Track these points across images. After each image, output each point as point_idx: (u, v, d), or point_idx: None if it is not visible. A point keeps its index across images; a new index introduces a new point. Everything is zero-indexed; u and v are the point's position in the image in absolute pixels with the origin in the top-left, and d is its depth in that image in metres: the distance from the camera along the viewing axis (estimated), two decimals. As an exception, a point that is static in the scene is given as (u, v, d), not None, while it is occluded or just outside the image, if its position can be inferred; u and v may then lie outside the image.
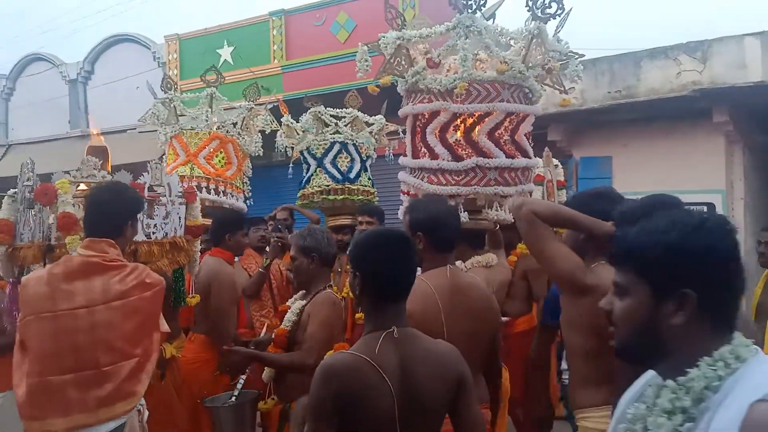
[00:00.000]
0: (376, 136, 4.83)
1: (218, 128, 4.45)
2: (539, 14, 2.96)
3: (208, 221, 3.94)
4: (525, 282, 3.91)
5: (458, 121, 3.07)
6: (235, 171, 4.46)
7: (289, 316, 2.81)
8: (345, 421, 1.74)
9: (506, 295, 3.60)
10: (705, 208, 6.42)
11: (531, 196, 3.33)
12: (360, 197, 4.64)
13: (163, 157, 4.53)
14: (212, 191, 4.28)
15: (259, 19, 9.24)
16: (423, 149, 3.14)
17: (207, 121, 4.40)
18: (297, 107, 4.86)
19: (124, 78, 10.17)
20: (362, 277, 1.80)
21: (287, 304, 2.95)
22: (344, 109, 4.75)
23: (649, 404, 1.15)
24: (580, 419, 2.22)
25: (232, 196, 4.40)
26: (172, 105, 4.40)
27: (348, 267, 3.66)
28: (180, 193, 3.08)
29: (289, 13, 9.05)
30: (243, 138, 4.53)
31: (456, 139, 3.07)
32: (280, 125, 4.77)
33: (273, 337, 2.87)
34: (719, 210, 6.44)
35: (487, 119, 3.03)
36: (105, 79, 10.89)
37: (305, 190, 4.72)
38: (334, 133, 4.65)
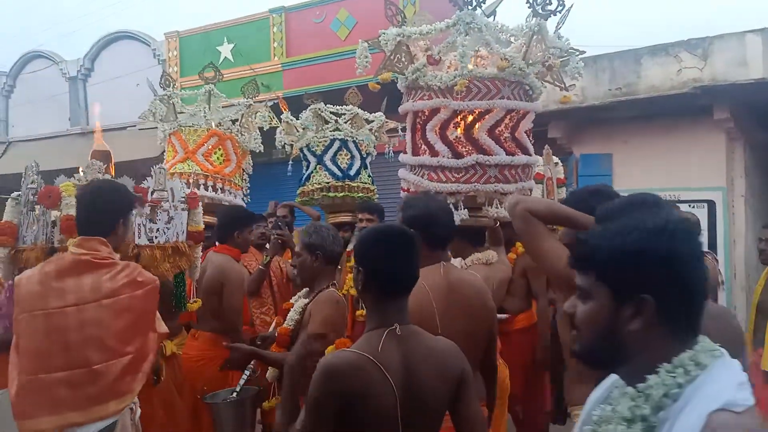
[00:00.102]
0: (376, 134, 4.83)
1: (218, 125, 4.44)
2: (540, 11, 2.95)
3: (210, 218, 3.94)
4: (524, 279, 3.91)
5: (458, 118, 3.06)
6: (233, 168, 4.45)
7: (292, 315, 2.80)
8: (347, 420, 1.74)
9: (506, 292, 3.60)
10: (705, 206, 6.43)
11: (531, 193, 3.32)
12: (360, 194, 4.64)
13: (166, 159, 4.53)
14: (210, 188, 4.27)
15: (260, 16, 9.22)
16: (423, 146, 3.13)
17: (205, 117, 4.40)
18: (297, 104, 4.85)
19: (124, 75, 10.16)
20: (365, 273, 1.80)
21: (291, 301, 2.94)
22: (344, 106, 4.74)
23: (614, 406, 1.13)
24: (575, 416, 2.22)
25: (231, 193, 4.40)
26: (170, 102, 4.40)
27: (348, 264, 3.67)
28: (183, 199, 3.09)
29: (290, 11, 9.03)
30: (242, 135, 4.53)
31: (456, 136, 3.07)
32: (280, 122, 4.76)
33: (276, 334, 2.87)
34: (719, 207, 6.43)
35: (487, 116, 3.02)
36: (105, 77, 10.87)
37: (305, 187, 4.71)
38: (334, 130, 4.64)
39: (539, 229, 2.17)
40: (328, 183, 4.59)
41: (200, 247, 3.27)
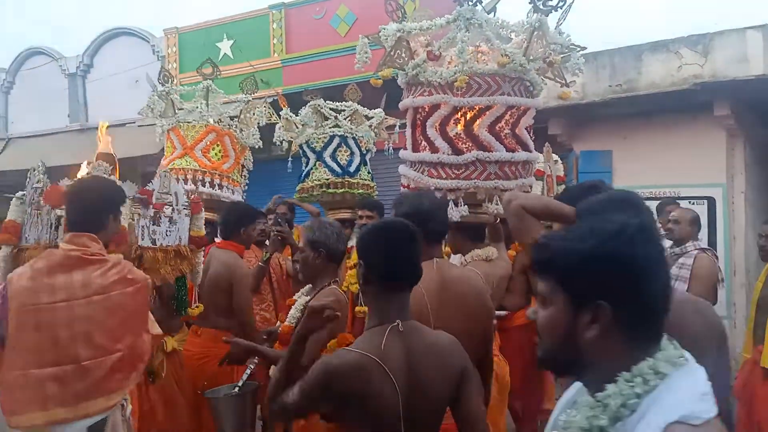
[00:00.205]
0: (375, 130, 4.82)
1: (218, 121, 4.44)
2: (541, 6, 2.94)
3: (209, 215, 3.94)
4: (524, 276, 3.91)
5: (459, 114, 3.06)
6: (232, 164, 4.45)
7: (293, 312, 2.80)
8: (347, 416, 1.74)
9: (506, 289, 3.60)
10: (705, 202, 6.42)
11: (531, 190, 3.32)
12: (360, 191, 4.63)
13: (165, 155, 4.52)
14: (208, 184, 4.27)
15: (259, 12, 9.20)
16: (423, 142, 3.13)
17: (201, 113, 4.39)
18: (297, 101, 4.84)
19: (124, 71, 10.15)
20: (365, 266, 1.81)
21: (294, 298, 2.93)
22: (344, 103, 4.73)
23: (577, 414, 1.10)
24: None
25: (229, 189, 4.39)
26: (169, 98, 4.39)
27: (348, 261, 3.66)
28: (186, 204, 3.10)
29: (289, 7, 9.01)
30: (241, 131, 4.52)
31: (456, 133, 3.06)
32: (279, 119, 4.76)
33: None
34: (719, 204, 6.42)
35: (487, 112, 3.02)
36: (104, 73, 10.85)
37: (305, 183, 4.71)
38: (333, 127, 4.63)
39: (533, 226, 2.16)
40: (327, 179, 4.58)
41: (202, 252, 3.28)
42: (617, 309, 1.02)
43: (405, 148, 3.29)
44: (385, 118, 4.87)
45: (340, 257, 2.76)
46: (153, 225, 2.93)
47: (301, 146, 4.76)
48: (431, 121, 3.07)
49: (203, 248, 3.34)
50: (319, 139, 4.62)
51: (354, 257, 3.33)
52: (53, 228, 2.82)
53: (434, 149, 3.06)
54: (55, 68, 11.46)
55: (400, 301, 1.80)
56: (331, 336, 2.03)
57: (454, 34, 2.94)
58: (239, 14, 9.43)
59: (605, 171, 6.72)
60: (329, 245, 2.66)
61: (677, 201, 5.56)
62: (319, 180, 4.60)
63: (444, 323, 2.14)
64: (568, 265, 1.06)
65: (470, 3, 2.93)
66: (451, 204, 3.03)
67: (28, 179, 2.95)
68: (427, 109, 3.10)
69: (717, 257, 4.66)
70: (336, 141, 4.61)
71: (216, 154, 4.38)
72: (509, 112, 3.05)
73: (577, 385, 1.21)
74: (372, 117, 4.81)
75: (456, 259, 3.29)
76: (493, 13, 3.07)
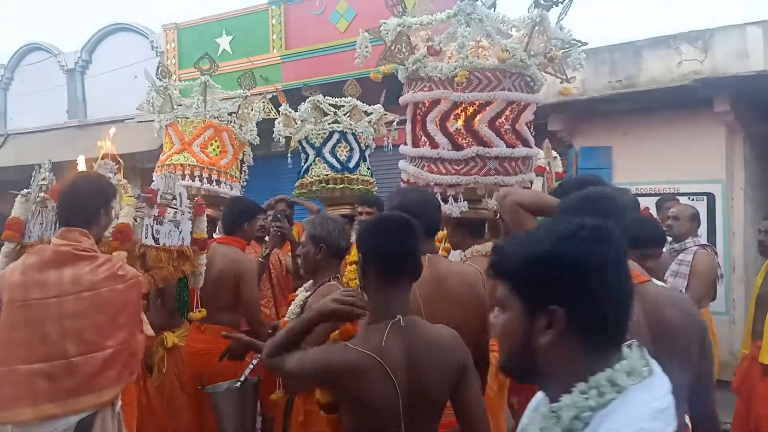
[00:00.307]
0: (374, 126, 4.81)
1: (217, 117, 4.43)
2: (542, 1, 2.93)
3: (207, 210, 3.94)
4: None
5: (459, 109, 3.05)
6: (230, 160, 4.45)
7: (293, 308, 2.79)
8: (348, 411, 1.74)
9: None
10: (705, 198, 6.42)
11: (532, 186, 3.32)
12: (359, 187, 4.63)
13: (163, 150, 4.51)
14: (205, 180, 4.27)
15: (258, 8, 9.18)
16: (423, 138, 3.12)
17: (197, 109, 4.38)
18: (296, 97, 4.84)
19: (123, 67, 10.13)
20: (363, 259, 1.81)
21: (295, 294, 2.93)
22: (343, 98, 4.72)
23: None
24: None
25: (227, 185, 4.39)
26: (167, 93, 4.39)
27: (348, 257, 3.66)
28: (190, 206, 3.10)
29: (289, 2, 8.98)
30: (240, 127, 4.51)
31: (456, 128, 3.05)
32: (279, 114, 4.75)
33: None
34: (719, 200, 6.43)
35: (487, 108, 3.01)
36: (103, 69, 10.83)
37: (304, 179, 4.70)
38: (333, 123, 4.62)
39: (527, 222, 2.16)
40: (327, 175, 4.57)
41: (204, 254, 3.28)
42: (572, 314, 0.99)
43: (405, 144, 3.28)
44: (385, 114, 4.87)
45: (342, 253, 2.74)
46: (156, 224, 2.93)
47: (300, 142, 4.75)
48: (431, 117, 3.06)
49: (206, 250, 3.33)
50: (319, 134, 4.62)
51: (354, 253, 3.34)
52: (57, 225, 2.82)
53: (434, 145, 3.05)
54: (54, 64, 11.44)
55: (400, 295, 1.80)
56: (334, 327, 2.03)
57: (454, 29, 2.93)
58: (238, 10, 9.41)
59: (605, 167, 6.72)
60: (330, 241, 2.64)
61: (677, 197, 5.57)
62: (318, 176, 4.59)
63: (436, 317, 2.13)
64: (520, 269, 1.03)
65: (471, -2, 2.92)
66: (450, 200, 3.02)
67: (33, 177, 2.95)
68: (427, 105, 3.10)
69: (716, 253, 4.67)
70: (335, 137, 4.60)
71: (214, 149, 4.38)
72: (509, 108, 3.05)
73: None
74: (371, 113, 4.80)
75: (456, 254, 3.28)
76: (493, 8, 3.06)
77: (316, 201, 5.11)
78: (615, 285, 1.01)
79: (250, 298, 3.62)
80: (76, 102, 11.26)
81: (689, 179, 6.46)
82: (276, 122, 4.73)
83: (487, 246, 3.25)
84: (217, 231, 4.20)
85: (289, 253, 4.60)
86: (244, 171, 4.74)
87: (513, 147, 3.05)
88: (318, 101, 4.61)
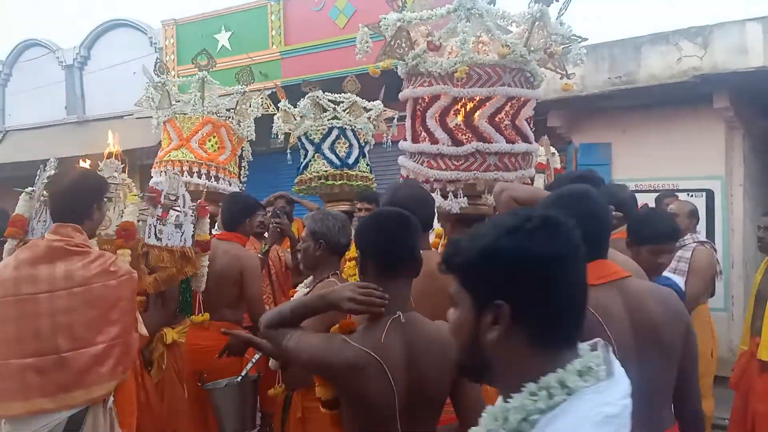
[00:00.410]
0: (374, 122, 4.81)
1: (214, 113, 4.42)
2: (542, -3, 2.93)
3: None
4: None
5: (459, 105, 3.04)
6: (228, 156, 4.44)
7: None
8: (347, 406, 1.74)
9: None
10: (704, 195, 6.43)
11: (533, 182, 3.32)
12: (358, 183, 4.63)
13: (162, 146, 4.50)
14: (204, 176, 4.26)
15: (257, 3, 9.16)
16: (423, 133, 3.12)
17: (194, 105, 4.37)
18: (296, 93, 4.83)
19: (121, 63, 10.10)
20: (361, 254, 1.80)
21: (295, 290, 2.93)
22: (342, 95, 4.71)
23: None
24: None
25: (225, 181, 4.39)
26: (165, 89, 4.37)
27: (347, 254, 3.66)
28: (193, 207, 3.10)
29: (288, -2, 8.97)
30: (238, 123, 4.51)
31: (456, 124, 3.05)
32: (278, 111, 4.74)
33: None
34: (718, 196, 6.43)
35: (487, 103, 3.00)
36: (101, 65, 10.81)
37: (303, 175, 4.69)
38: (332, 119, 4.62)
39: None
40: (326, 171, 4.57)
41: (206, 256, 3.28)
42: (517, 310, 0.95)
43: (404, 140, 3.28)
44: (384, 111, 4.86)
45: (341, 250, 2.73)
46: (160, 224, 2.93)
47: (299, 138, 4.74)
48: (431, 112, 3.05)
49: (208, 251, 3.33)
50: (318, 130, 4.61)
51: (353, 249, 3.33)
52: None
53: (434, 140, 3.05)
54: (53, 60, 11.41)
55: (400, 291, 1.79)
56: (334, 321, 2.02)
57: (454, 24, 2.92)
58: (237, 6, 9.38)
59: (604, 164, 6.73)
60: (330, 237, 2.64)
61: (676, 194, 5.56)
62: (317, 172, 4.58)
63: (431, 315, 2.13)
64: (467, 264, 1.01)
65: (471, -7, 2.91)
66: (450, 195, 3.02)
67: (38, 174, 2.95)
68: (427, 100, 3.09)
69: (715, 250, 4.67)
70: (335, 133, 4.59)
71: (212, 145, 4.37)
72: (509, 103, 3.04)
73: None
74: (370, 109, 4.79)
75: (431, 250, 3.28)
76: (493, 3, 3.05)
77: (315, 198, 5.10)
78: (564, 279, 0.97)
79: (253, 294, 3.62)
80: (74, 98, 11.23)
81: (688, 176, 6.46)
82: (275, 118, 4.72)
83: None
84: (216, 227, 4.19)
85: (289, 250, 4.60)
86: (244, 167, 4.73)
87: (513, 143, 3.05)
88: (317, 97, 4.60)
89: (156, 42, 10.24)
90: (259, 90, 4.98)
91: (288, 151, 4.96)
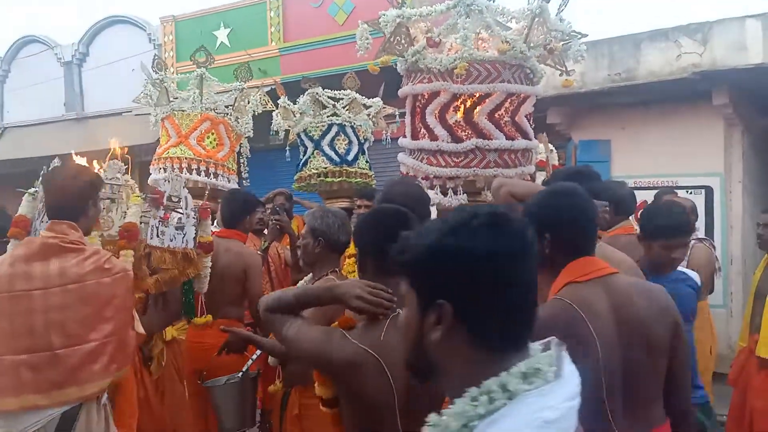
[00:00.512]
0: (373, 119, 4.80)
1: (213, 110, 4.41)
2: (541, -7, 2.92)
3: (199, 202, 3.94)
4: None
5: (458, 101, 3.04)
6: (227, 152, 4.44)
7: None
8: (348, 405, 1.74)
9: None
10: (703, 192, 6.43)
11: (534, 179, 3.32)
12: (358, 180, 4.62)
13: (160, 143, 4.50)
14: (203, 173, 4.26)
15: (256, 0, 9.14)
16: (422, 130, 3.12)
17: (194, 102, 4.36)
18: (295, 90, 4.82)
19: (120, 60, 10.08)
20: (361, 254, 1.80)
21: (297, 286, 2.93)
22: (342, 91, 4.71)
23: None
24: None
25: (224, 178, 4.38)
26: (163, 86, 4.37)
27: (346, 251, 3.66)
28: (195, 209, 3.10)
29: (287, -6, 8.95)
30: (236, 119, 4.50)
31: (456, 120, 3.05)
32: (277, 107, 4.73)
33: None
34: (717, 193, 6.43)
35: (487, 100, 3.00)
36: (100, 62, 10.78)
37: (302, 172, 4.69)
38: (331, 115, 4.61)
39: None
40: (325, 168, 4.56)
41: (209, 258, 3.27)
42: (459, 309, 0.92)
43: (404, 136, 3.28)
44: (383, 108, 4.85)
45: (341, 247, 2.72)
46: (162, 226, 2.93)
47: (299, 135, 4.74)
48: (431, 109, 3.05)
49: (210, 252, 3.33)
50: (317, 127, 4.60)
51: (353, 246, 3.34)
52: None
53: (433, 137, 3.05)
54: (51, 56, 11.38)
55: (398, 289, 1.79)
56: (335, 315, 2.02)
57: (454, 20, 2.92)
58: (236, 2, 9.36)
59: (604, 160, 6.72)
60: (329, 234, 2.63)
61: (675, 190, 5.56)
62: (317, 169, 4.58)
63: None
64: (411, 261, 0.98)
65: (470, -11, 2.91)
66: (450, 192, 3.02)
67: (41, 175, 2.94)
68: (426, 97, 3.09)
69: (714, 247, 4.67)
70: (334, 129, 4.59)
71: (211, 142, 4.37)
72: (509, 100, 3.04)
73: None
74: (370, 106, 4.79)
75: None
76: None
77: (314, 194, 5.09)
78: (510, 278, 0.93)
79: (256, 292, 3.62)
80: (73, 95, 11.21)
81: (687, 172, 6.46)
82: (274, 114, 4.72)
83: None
84: (215, 224, 4.19)
85: (288, 247, 4.60)
86: (243, 163, 4.72)
87: (512, 139, 3.05)
88: (317, 94, 4.60)
89: (155, 38, 10.22)
90: (260, 87, 4.97)
91: (287, 147, 4.96)
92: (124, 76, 9.62)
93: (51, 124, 11.08)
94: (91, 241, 2.60)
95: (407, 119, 3.24)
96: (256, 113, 4.65)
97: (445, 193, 3.01)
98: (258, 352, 2.89)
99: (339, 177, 4.57)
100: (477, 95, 3.02)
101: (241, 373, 2.96)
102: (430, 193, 3.02)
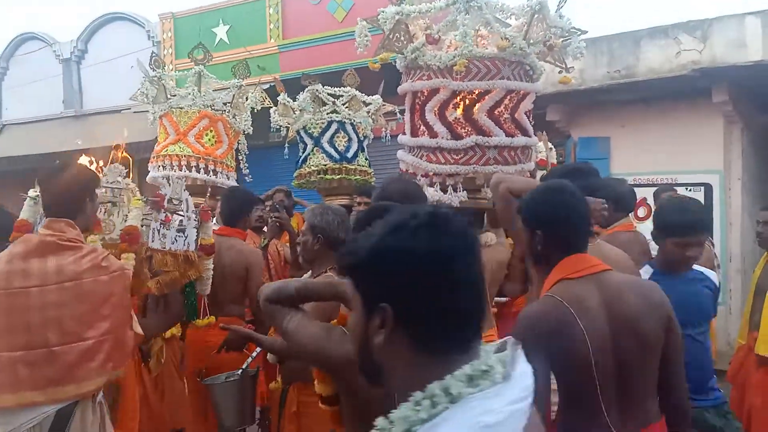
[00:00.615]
0: (373, 117, 4.80)
1: (210, 106, 4.40)
2: (541, -11, 2.91)
3: (199, 200, 3.94)
4: (523, 263, 3.91)
5: (458, 98, 3.04)
6: (225, 149, 4.43)
7: None
8: (347, 403, 1.74)
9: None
10: (702, 189, 6.43)
11: (534, 176, 3.32)
12: (357, 177, 4.62)
13: (158, 141, 4.49)
14: (202, 170, 4.25)
15: (255, -3, 9.12)
16: (422, 127, 3.11)
17: (193, 99, 4.35)
18: (294, 87, 4.81)
19: (118, 57, 10.05)
20: None
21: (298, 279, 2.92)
22: (342, 88, 4.70)
23: None
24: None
25: (223, 175, 4.37)
26: (160, 83, 4.35)
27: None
28: (196, 212, 3.10)
29: (286, -9, 8.92)
30: (234, 116, 4.49)
31: (455, 117, 3.04)
32: (276, 104, 4.72)
33: None
34: (716, 190, 6.43)
35: (487, 97, 3.00)
36: (99, 59, 10.76)
37: (302, 169, 4.68)
38: (331, 112, 4.60)
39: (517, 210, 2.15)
40: (325, 165, 4.56)
41: (211, 260, 3.27)
42: (402, 313, 0.90)
43: (403, 133, 3.27)
44: (383, 105, 4.85)
45: (340, 244, 2.73)
46: (163, 229, 2.93)
47: (298, 132, 4.73)
48: (430, 106, 3.04)
49: (212, 255, 3.33)
50: (317, 124, 4.59)
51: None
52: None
53: (433, 134, 3.04)
54: (50, 54, 11.35)
55: None
56: (334, 312, 2.01)
57: (453, 17, 2.91)
58: (235, -1, 9.34)
59: (603, 158, 6.73)
60: (328, 231, 2.63)
61: (674, 188, 5.56)
62: (316, 166, 4.57)
63: None
64: (354, 264, 0.97)
65: (470, -14, 2.90)
66: (449, 189, 3.02)
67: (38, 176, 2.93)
68: (426, 94, 3.08)
69: (713, 244, 4.67)
70: (334, 127, 4.58)
71: (209, 139, 4.36)
72: (509, 97, 3.03)
73: None
74: (370, 103, 4.78)
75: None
76: (492, -4, 3.04)
77: (313, 192, 5.08)
78: (452, 279, 0.90)
79: (256, 291, 3.61)
80: (71, 92, 11.18)
81: (687, 170, 6.47)
82: (272, 111, 4.70)
83: (486, 236, 3.25)
84: (214, 221, 4.19)
85: (287, 244, 4.60)
86: (241, 160, 4.72)
87: (512, 136, 3.04)
88: (317, 91, 4.59)
89: (154, 35, 10.20)
90: (259, 84, 4.97)
91: (286, 145, 4.95)
92: (122, 73, 9.59)
93: (49, 122, 11.06)
94: (93, 243, 2.60)
95: (407, 116, 3.23)
96: (255, 110, 4.65)
97: (444, 191, 3.00)
98: (258, 349, 2.89)
99: (338, 174, 4.56)
100: (476, 92, 3.01)
101: (240, 371, 2.96)
102: (430, 190, 3.02)
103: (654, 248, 4.26)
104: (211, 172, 4.30)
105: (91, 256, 2.34)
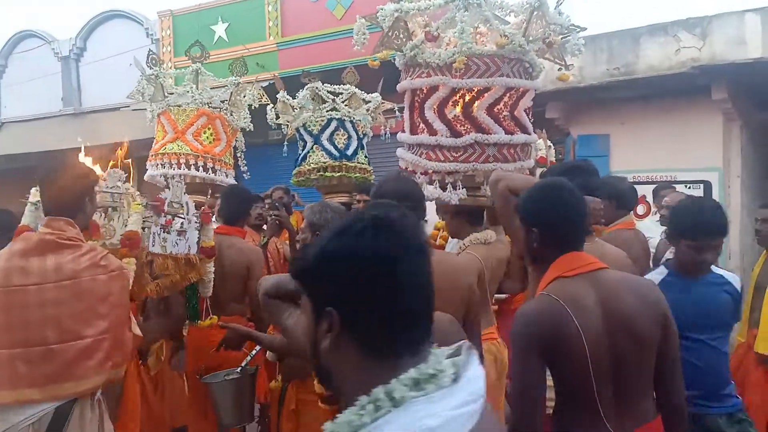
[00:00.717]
0: (372, 114, 4.79)
1: (208, 105, 4.39)
2: (540, -14, 2.91)
3: (200, 198, 3.93)
4: (522, 260, 3.91)
5: (457, 96, 3.03)
6: (224, 147, 4.42)
7: None
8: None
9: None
10: (701, 186, 6.43)
11: (535, 174, 3.32)
12: (357, 175, 4.61)
13: (156, 139, 4.48)
14: (200, 168, 4.24)
15: (254, -6, 9.10)
16: (421, 125, 3.11)
17: (192, 96, 4.34)
18: (293, 85, 4.80)
19: (117, 54, 10.04)
20: None
21: None
22: (341, 86, 4.69)
23: None
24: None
25: (222, 173, 4.37)
26: (158, 81, 4.34)
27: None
28: (197, 214, 3.09)
29: (285, -11, 8.90)
30: (231, 114, 4.48)
31: (455, 115, 3.04)
32: (275, 102, 4.71)
33: None
34: (715, 188, 6.43)
35: (486, 94, 2.99)
36: (98, 56, 10.74)
37: (301, 167, 4.67)
38: (331, 110, 4.59)
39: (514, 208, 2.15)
40: (325, 163, 4.55)
41: (212, 262, 3.26)
42: (348, 317, 0.90)
43: (403, 131, 3.27)
44: (382, 103, 4.84)
45: None
46: (164, 233, 2.93)
47: (297, 129, 4.72)
48: (429, 103, 3.04)
49: (213, 257, 3.32)
50: (317, 122, 4.58)
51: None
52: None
53: (432, 132, 3.04)
54: (48, 51, 11.33)
55: None
56: None
57: (452, 14, 2.91)
58: (234, -4, 9.31)
59: (603, 155, 6.72)
60: (327, 229, 2.63)
61: (673, 185, 5.56)
62: (316, 163, 4.56)
63: None
64: (302, 269, 0.98)
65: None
66: (449, 187, 3.01)
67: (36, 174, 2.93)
68: (425, 91, 3.08)
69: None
70: (333, 124, 4.57)
71: (208, 137, 4.35)
72: (508, 94, 3.03)
73: None
74: (369, 101, 4.77)
75: (453, 243, 3.28)
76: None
77: (312, 189, 5.08)
78: (396, 282, 0.90)
79: (257, 290, 3.61)
80: (70, 90, 11.17)
81: (686, 167, 6.46)
82: (268, 108, 4.69)
83: (486, 233, 3.25)
84: (213, 219, 4.18)
85: (287, 242, 4.60)
86: (239, 157, 4.70)
87: (512, 134, 3.04)
88: (317, 88, 4.58)
89: (152, 33, 10.18)
90: (258, 81, 4.96)
91: (285, 143, 4.94)
92: (121, 71, 9.57)
93: (48, 120, 11.05)
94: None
95: (406, 114, 3.23)
96: (254, 108, 4.64)
97: (444, 188, 3.00)
98: (257, 347, 2.89)
99: (338, 172, 4.55)
100: (476, 89, 3.01)
101: (239, 369, 2.96)
102: (429, 187, 3.02)
103: (652, 248, 4.26)
104: (210, 170, 4.29)
105: (90, 254, 2.34)
